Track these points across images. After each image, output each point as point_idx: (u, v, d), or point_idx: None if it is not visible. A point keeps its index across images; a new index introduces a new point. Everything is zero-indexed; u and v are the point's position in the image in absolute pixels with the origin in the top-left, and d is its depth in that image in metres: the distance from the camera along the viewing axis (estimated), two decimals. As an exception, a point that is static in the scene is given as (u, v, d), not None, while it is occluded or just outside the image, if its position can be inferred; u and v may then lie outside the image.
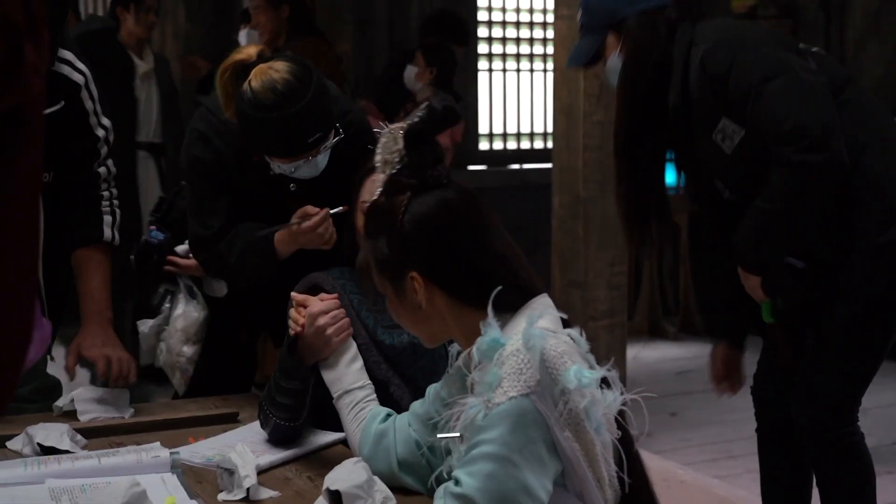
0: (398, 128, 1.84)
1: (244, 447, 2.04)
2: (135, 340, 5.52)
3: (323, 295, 2.20)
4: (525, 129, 7.43)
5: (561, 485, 1.67)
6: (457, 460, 1.71)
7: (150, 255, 2.90)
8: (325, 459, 2.16)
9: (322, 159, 2.50)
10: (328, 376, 2.14)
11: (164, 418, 2.42)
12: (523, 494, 1.61)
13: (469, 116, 6.79)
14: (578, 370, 1.63)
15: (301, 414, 2.19)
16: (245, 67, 2.44)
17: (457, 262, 1.77)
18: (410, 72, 5.81)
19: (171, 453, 2.12)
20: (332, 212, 2.51)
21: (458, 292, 1.76)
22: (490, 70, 7.24)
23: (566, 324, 1.75)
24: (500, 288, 1.69)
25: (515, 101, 7.34)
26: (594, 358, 1.71)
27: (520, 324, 1.70)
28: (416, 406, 2.02)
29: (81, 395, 2.44)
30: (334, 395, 2.13)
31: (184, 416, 2.44)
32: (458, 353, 1.94)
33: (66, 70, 2.51)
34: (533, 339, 1.63)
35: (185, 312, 2.77)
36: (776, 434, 2.99)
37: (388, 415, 2.07)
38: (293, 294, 2.22)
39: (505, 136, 7.34)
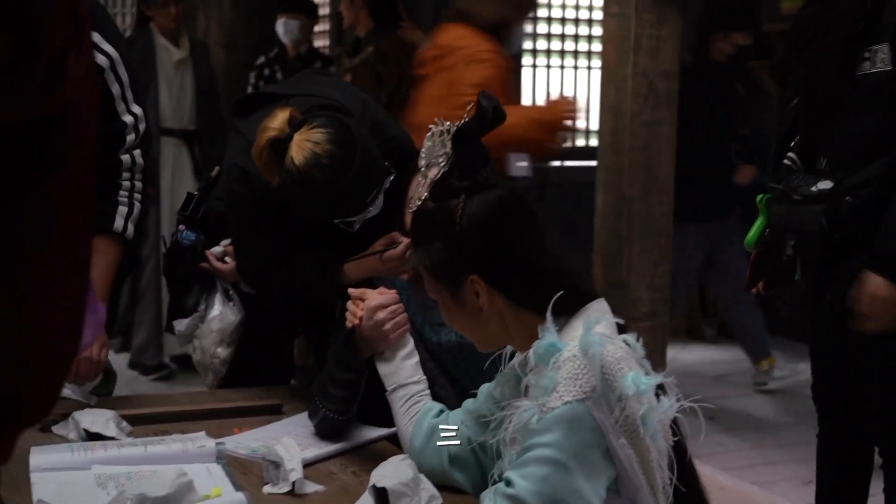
0: (442, 131, 1.83)
1: (290, 440, 2.03)
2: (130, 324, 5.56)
3: (382, 289, 2.19)
4: (567, 127, 7.38)
5: (614, 491, 1.65)
6: (507, 463, 1.69)
7: (182, 255, 2.80)
8: (370, 455, 2.15)
9: (379, 203, 2.38)
10: (383, 369, 2.13)
11: (210, 408, 2.41)
12: (576, 499, 1.59)
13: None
14: (636, 376, 1.61)
15: (352, 407, 2.18)
16: (280, 142, 2.28)
17: (517, 264, 1.75)
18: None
19: (216, 444, 2.12)
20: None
21: (518, 295, 1.74)
22: (534, 66, 7.20)
23: (622, 329, 1.73)
24: (560, 293, 1.68)
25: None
26: (650, 364, 1.70)
27: (577, 329, 1.68)
28: (469, 404, 2.01)
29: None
30: (388, 389, 2.12)
31: (229, 406, 2.43)
32: (512, 354, 1.93)
33: None
34: (591, 345, 1.61)
35: (222, 314, 2.70)
36: (840, 443, 2.93)
37: (441, 410, 2.05)
38: (350, 289, 2.20)
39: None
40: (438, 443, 1.99)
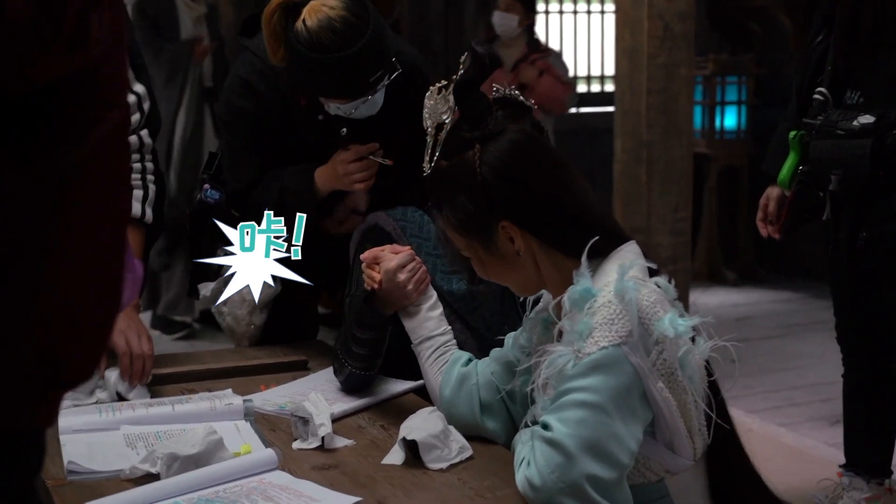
0: (440, 87, 1.79)
1: (317, 396, 2.02)
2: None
3: (395, 247, 2.15)
4: (582, 73, 7.31)
5: (650, 434, 1.64)
6: (541, 408, 1.67)
7: (207, 214, 2.76)
8: (398, 408, 2.13)
9: (380, 97, 2.41)
10: (409, 324, 2.11)
11: (235, 365, 2.40)
12: (614, 442, 1.57)
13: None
14: (673, 318, 1.59)
15: (377, 363, 2.16)
16: (295, 6, 2.29)
17: (544, 201, 1.73)
18: (506, 19, 5.46)
19: (244, 401, 2.10)
20: (374, 157, 2.44)
21: (550, 234, 1.73)
22: (547, 12, 7.12)
23: (653, 272, 1.70)
24: (596, 238, 1.66)
25: (572, 44, 7.23)
26: (682, 305, 1.68)
27: (609, 273, 1.66)
28: (496, 352, 1.99)
29: (110, 378, 2.23)
30: (414, 342, 2.10)
31: (254, 363, 2.42)
32: (535, 301, 1.91)
33: None
34: (626, 290, 1.60)
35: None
36: (867, 381, 2.91)
37: (470, 359, 2.04)
38: (362, 255, 2.15)
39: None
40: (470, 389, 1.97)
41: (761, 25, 6.94)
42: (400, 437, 1.86)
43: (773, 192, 2.92)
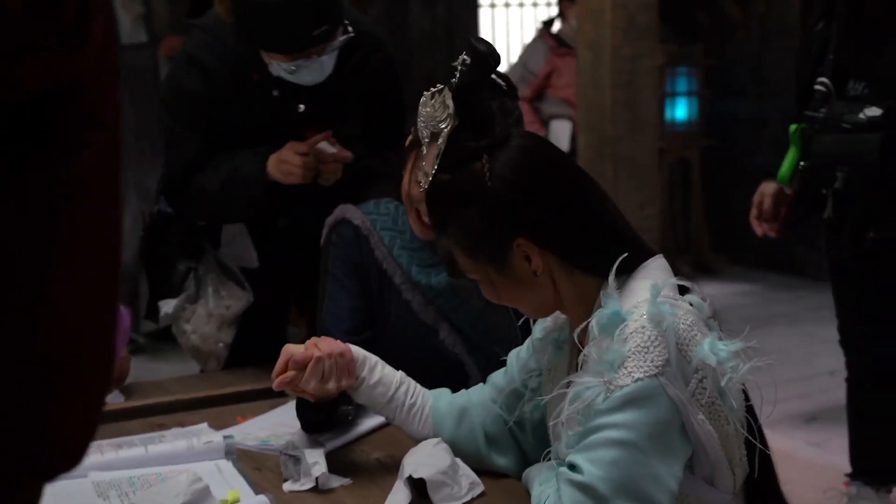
0: (434, 93, 1.61)
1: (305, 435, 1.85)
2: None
3: (295, 356, 1.78)
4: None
5: (687, 468, 1.48)
6: (565, 446, 1.50)
7: (166, 227, 2.57)
8: (393, 437, 1.95)
9: (328, 61, 2.28)
10: (360, 399, 1.85)
11: (207, 395, 2.20)
12: (651, 483, 1.41)
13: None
14: (713, 344, 1.44)
15: (350, 415, 1.98)
16: None
17: (564, 215, 1.54)
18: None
19: (224, 437, 1.92)
20: (325, 148, 2.31)
21: (571, 251, 1.55)
22: (493, 5, 6.98)
23: (682, 289, 1.54)
24: (625, 255, 1.49)
25: (520, 39, 7.09)
26: (717, 323, 1.53)
27: (637, 292, 1.49)
28: (498, 378, 1.82)
29: None
30: (377, 410, 1.86)
31: (228, 391, 2.22)
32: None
33: None
34: (663, 315, 1.43)
35: (229, 295, 2.46)
36: (874, 388, 2.79)
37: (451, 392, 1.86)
38: (275, 386, 1.80)
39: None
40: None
41: (710, 15, 6.86)
42: (405, 474, 1.69)
43: (767, 188, 2.78)
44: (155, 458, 1.85)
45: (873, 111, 2.38)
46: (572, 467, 1.45)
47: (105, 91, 0.89)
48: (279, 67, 2.28)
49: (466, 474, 1.73)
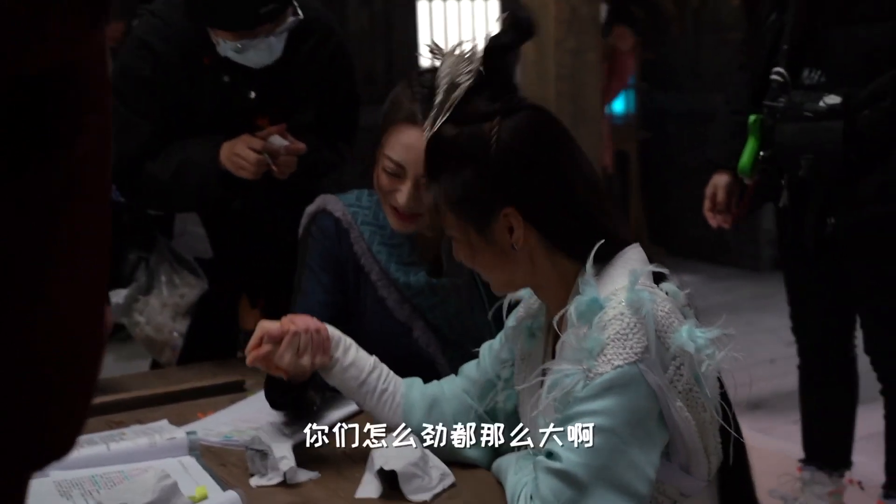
0: (460, 45, 1.58)
1: (272, 426, 1.82)
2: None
3: (269, 332, 1.78)
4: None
5: (664, 455, 1.48)
6: (542, 435, 1.50)
7: (116, 216, 2.53)
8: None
9: (276, 43, 2.26)
10: (333, 381, 1.83)
11: (165, 391, 2.15)
12: (630, 471, 1.41)
13: (409, 52, 6.51)
14: (690, 331, 1.44)
15: (315, 404, 1.96)
16: None
17: (558, 195, 1.53)
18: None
19: (187, 433, 1.88)
20: (275, 141, 2.28)
21: (555, 232, 1.54)
22: (430, -1, 6.97)
23: (658, 277, 1.54)
24: (602, 241, 1.49)
25: (457, 35, 7.08)
26: (692, 311, 1.53)
27: (615, 280, 1.49)
28: (470, 369, 1.81)
29: None
30: (347, 394, 1.85)
31: (186, 387, 2.18)
32: (511, 306, 1.75)
33: None
34: (642, 301, 1.42)
35: (183, 284, 2.43)
36: (826, 373, 2.83)
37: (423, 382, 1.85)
38: (249, 361, 1.79)
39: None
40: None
41: (645, 10, 6.92)
42: (376, 466, 1.67)
43: (720, 179, 2.81)
44: (117, 456, 1.81)
45: (833, 99, 2.41)
46: (550, 455, 1.45)
47: (99, 70, 0.86)
48: (227, 46, 2.26)
49: (437, 465, 1.72)
